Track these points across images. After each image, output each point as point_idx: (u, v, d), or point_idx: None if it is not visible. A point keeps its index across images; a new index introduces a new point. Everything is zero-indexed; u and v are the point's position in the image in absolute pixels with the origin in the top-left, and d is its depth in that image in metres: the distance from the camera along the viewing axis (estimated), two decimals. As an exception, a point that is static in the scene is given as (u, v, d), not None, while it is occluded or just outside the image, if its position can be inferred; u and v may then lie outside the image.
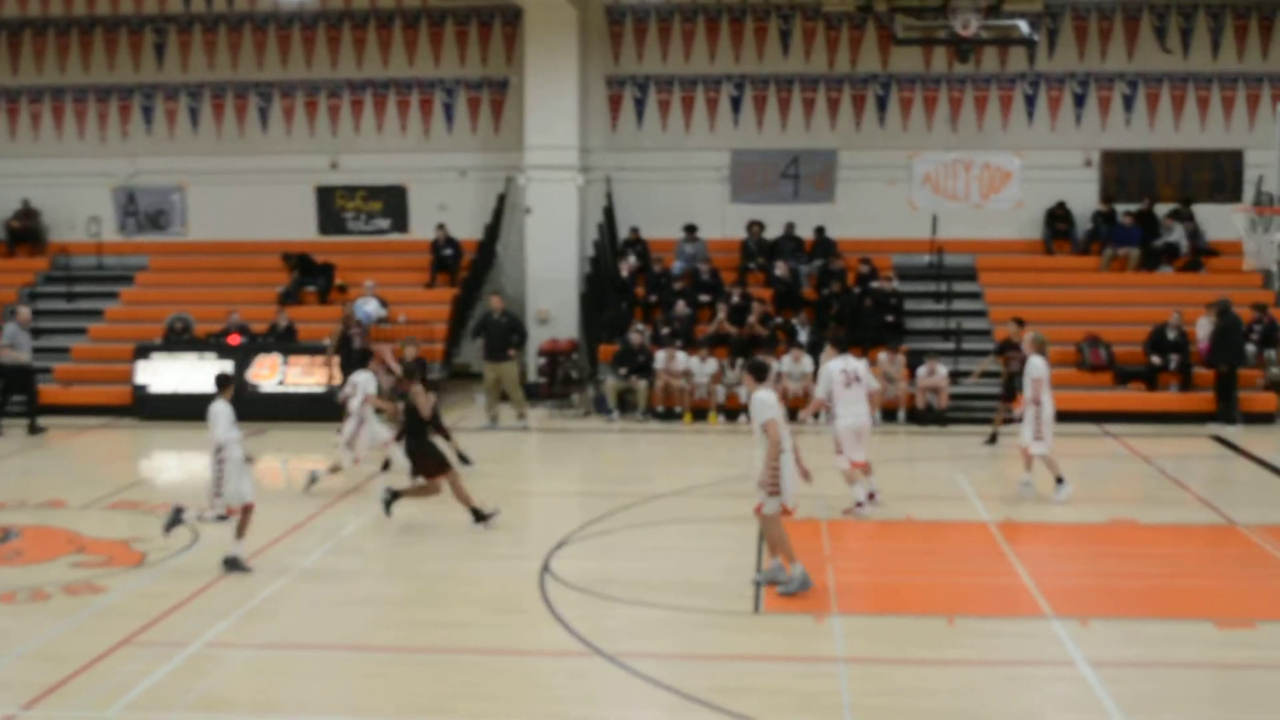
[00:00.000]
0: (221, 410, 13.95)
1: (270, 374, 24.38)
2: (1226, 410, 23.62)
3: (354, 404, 17.99)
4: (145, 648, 11.33)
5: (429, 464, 15.77)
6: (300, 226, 29.65)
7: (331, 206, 29.96)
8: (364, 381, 18.03)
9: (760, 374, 13.11)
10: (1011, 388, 21.17)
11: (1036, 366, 17.15)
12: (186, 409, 23.91)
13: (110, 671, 10.70)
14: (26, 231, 30.17)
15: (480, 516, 15.59)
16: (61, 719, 9.87)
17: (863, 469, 16.47)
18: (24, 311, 24.00)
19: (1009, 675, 10.88)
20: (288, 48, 29.84)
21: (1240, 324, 24.25)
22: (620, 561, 14.35)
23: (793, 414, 23.59)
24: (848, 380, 16.25)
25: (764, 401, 12.76)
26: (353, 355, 22.66)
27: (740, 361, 16.95)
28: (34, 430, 23.04)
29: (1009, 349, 21.38)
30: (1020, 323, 21.85)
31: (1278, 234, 20.04)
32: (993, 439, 21.54)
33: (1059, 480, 17.05)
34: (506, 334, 24.01)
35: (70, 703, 10.09)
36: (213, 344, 25.09)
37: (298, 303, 27.43)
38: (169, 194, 30.31)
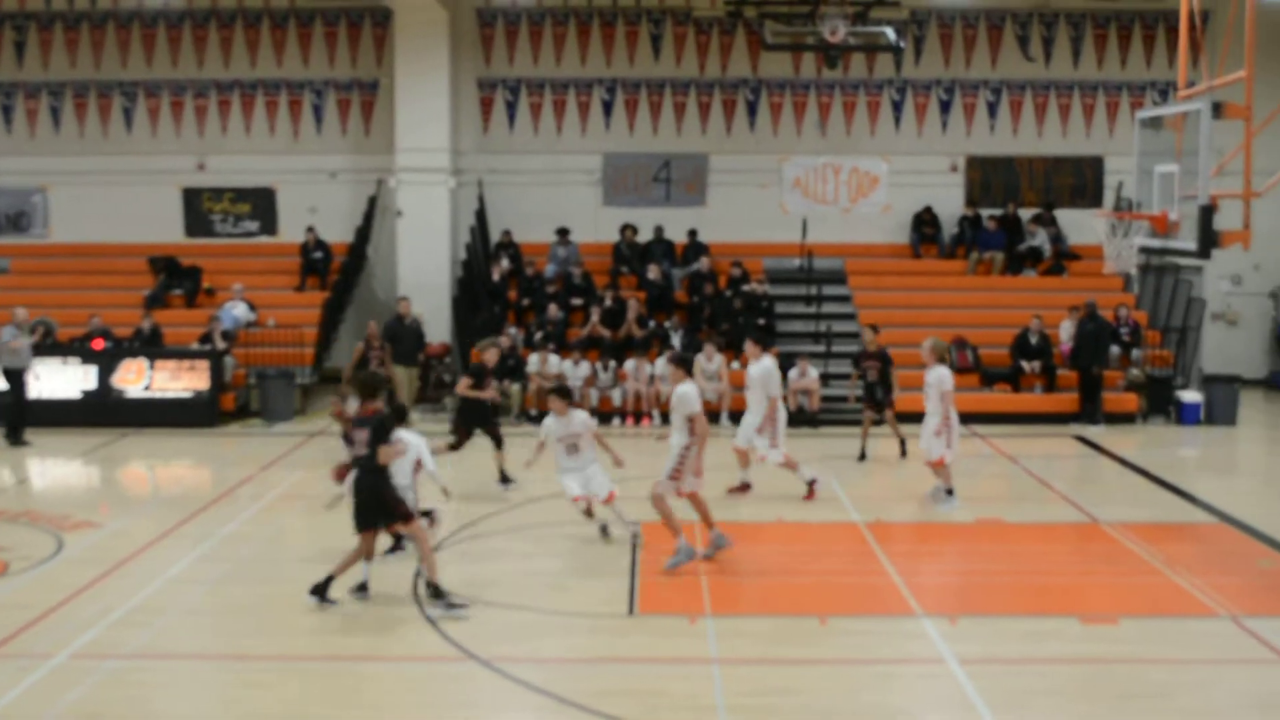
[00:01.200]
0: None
1: (136, 379, 23.93)
2: (1090, 411, 24.13)
3: (404, 466, 13.91)
4: (9, 660, 11.09)
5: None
6: (166, 229, 29.14)
7: (198, 208, 29.50)
8: (418, 445, 14.34)
9: (686, 367, 14.40)
10: (873, 395, 21.25)
11: (944, 378, 17.00)
12: (49, 415, 23.54)
13: (-27, 684, 10.47)
14: (-120, 234, 29.36)
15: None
16: (-78, 734, 9.66)
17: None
18: (20, 312, 23.15)
19: (880, 673, 11.03)
20: (153, 46, 29.32)
21: (1108, 326, 24.79)
22: (494, 566, 14.32)
23: (667, 418, 23.81)
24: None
25: (687, 395, 13.82)
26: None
27: (667, 354, 17.37)
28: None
29: (867, 357, 21.50)
30: (875, 329, 21.85)
31: (1137, 238, 20.51)
32: (863, 456, 20.78)
33: (949, 491, 17.20)
34: (418, 338, 23.96)
35: (-69, 717, 9.86)
36: (76, 348, 24.57)
37: (164, 306, 26.97)
38: (30, 195, 29.63)
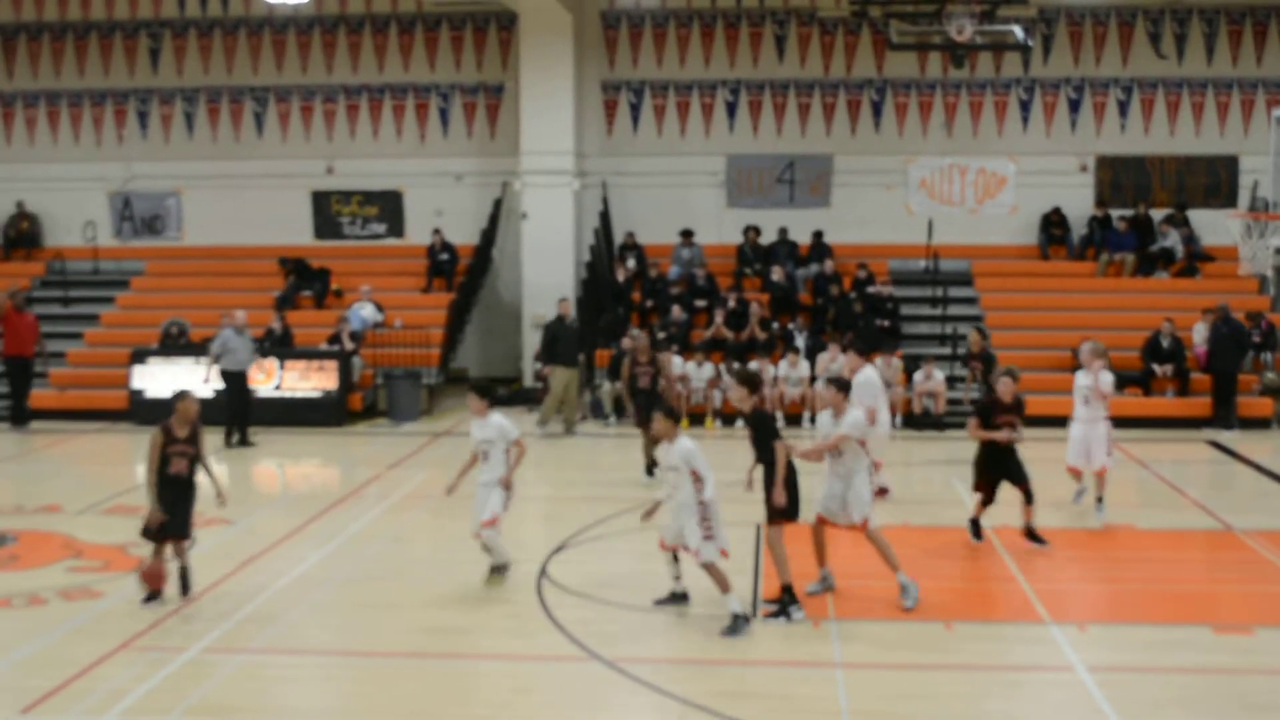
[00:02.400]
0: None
1: (267, 379, 24.33)
2: (1224, 415, 23.63)
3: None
4: (142, 653, 11.31)
5: None
6: (296, 231, 29.63)
7: (327, 211, 29.95)
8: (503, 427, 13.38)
9: (846, 391, 13.41)
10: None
11: (1107, 381, 16.55)
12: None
13: (107, 677, 10.69)
14: (23, 236, 30.15)
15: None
16: (59, 724, 9.88)
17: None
18: (239, 314, 23.19)
19: (1007, 680, 10.88)
20: (283, 52, 29.83)
21: (1242, 329, 24.26)
22: (618, 566, 14.33)
23: (791, 418, 23.77)
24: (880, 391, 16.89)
25: (861, 421, 12.99)
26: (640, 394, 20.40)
27: (826, 376, 15.79)
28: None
29: (973, 358, 21.20)
30: (983, 331, 21.45)
31: (1273, 239, 20.11)
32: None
33: (1099, 499, 16.61)
34: (579, 340, 24.04)
35: (67, 708, 10.08)
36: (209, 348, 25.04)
37: (294, 308, 27.39)
38: (165, 199, 30.29)
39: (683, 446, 12.07)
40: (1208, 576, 14.27)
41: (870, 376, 16.78)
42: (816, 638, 11.80)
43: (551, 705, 10.33)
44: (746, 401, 12.60)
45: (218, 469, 12.91)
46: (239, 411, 22.44)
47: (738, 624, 11.85)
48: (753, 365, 22.99)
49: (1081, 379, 16.72)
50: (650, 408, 14.79)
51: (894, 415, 23.70)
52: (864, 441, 13.03)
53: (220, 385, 22.54)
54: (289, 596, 13.09)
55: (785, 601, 12.29)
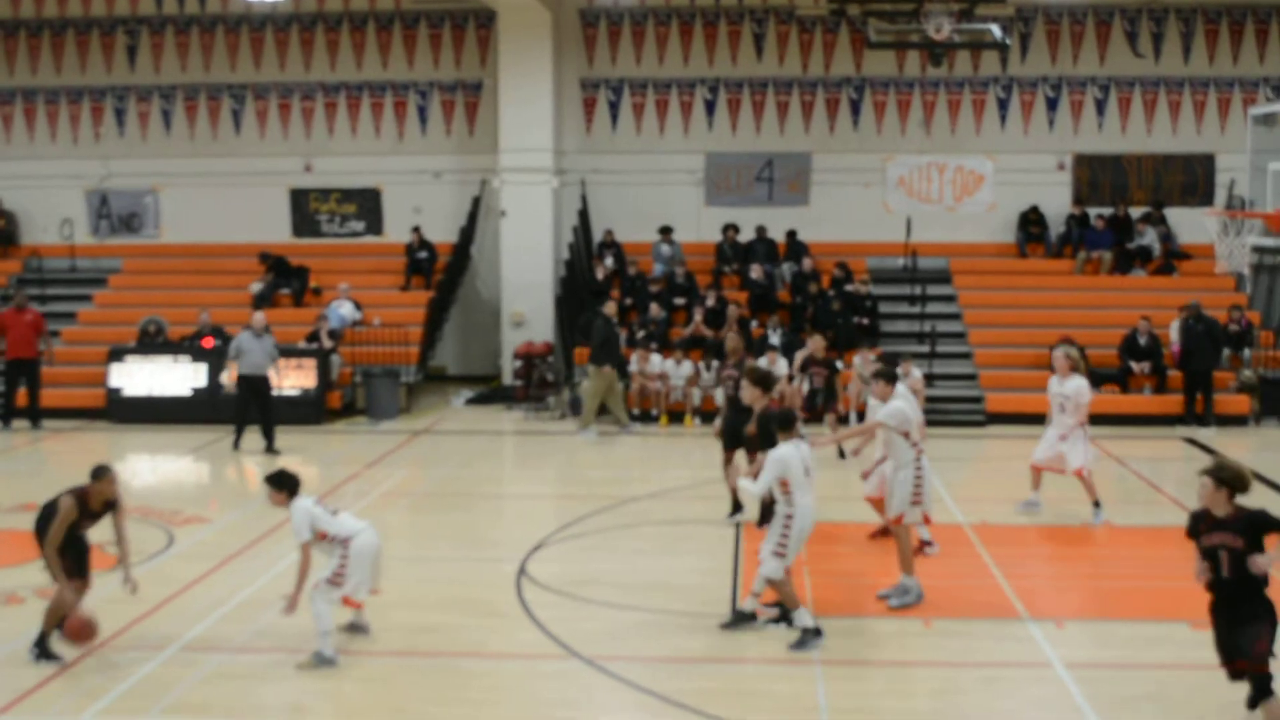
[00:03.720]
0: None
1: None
2: (1200, 413, 23.73)
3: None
4: (120, 652, 11.30)
5: None
6: (274, 229, 29.54)
7: (305, 209, 29.88)
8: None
9: (893, 381, 13.32)
10: (813, 401, 21.37)
11: (1084, 390, 16.33)
12: (160, 412, 24.03)
13: (85, 676, 10.67)
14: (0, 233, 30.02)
15: None
16: (37, 724, 9.86)
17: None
18: (258, 317, 22.64)
19: (986, 677, 10.93)
20: (261, 49, 29.74)
21: (1216, 326, 24.35)
22: (597, 564, 14.36)
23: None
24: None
25: (903, 411, 12.86)
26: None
27: (875, 369, 14.32)
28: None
29: (813, 364, 21.58)
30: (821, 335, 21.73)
31: (1249, 237, 20.18)
32: (842, 454, 20.14)
33: (1097, 504, 16.45)
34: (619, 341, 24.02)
35: (44, 707, 10.07)
36: (186, 347, 25.00)
37: (272, 305, 27.28)
38: (142, 196, 30.18)
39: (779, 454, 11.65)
40: (1185, 573, 14.29)
41: (901, 409, 13.68)
42: (794, 636, 11.81)
43: (532, 703, 10.34)
44: (760, 401, 12.58)
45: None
46: (262, 416, 21.84)
47: (806, 638, 11.53)
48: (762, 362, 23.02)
49: (1055, 386, 16.63)
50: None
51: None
52: (907, 434, 12.78)
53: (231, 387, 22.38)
54: (268, 594, 13.05)
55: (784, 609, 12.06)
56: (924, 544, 14.68)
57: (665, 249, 27.96)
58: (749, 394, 12.76)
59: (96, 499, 11.44)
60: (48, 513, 11.35)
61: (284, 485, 11.67)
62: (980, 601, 13.04)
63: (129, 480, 20.16)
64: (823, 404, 21.35)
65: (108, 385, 24.67)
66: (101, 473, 11.43)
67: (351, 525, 11.62)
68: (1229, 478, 9.76)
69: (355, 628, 11.85)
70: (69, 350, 26.66)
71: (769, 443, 12.10)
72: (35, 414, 23.85)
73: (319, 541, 11.46)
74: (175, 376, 24.45)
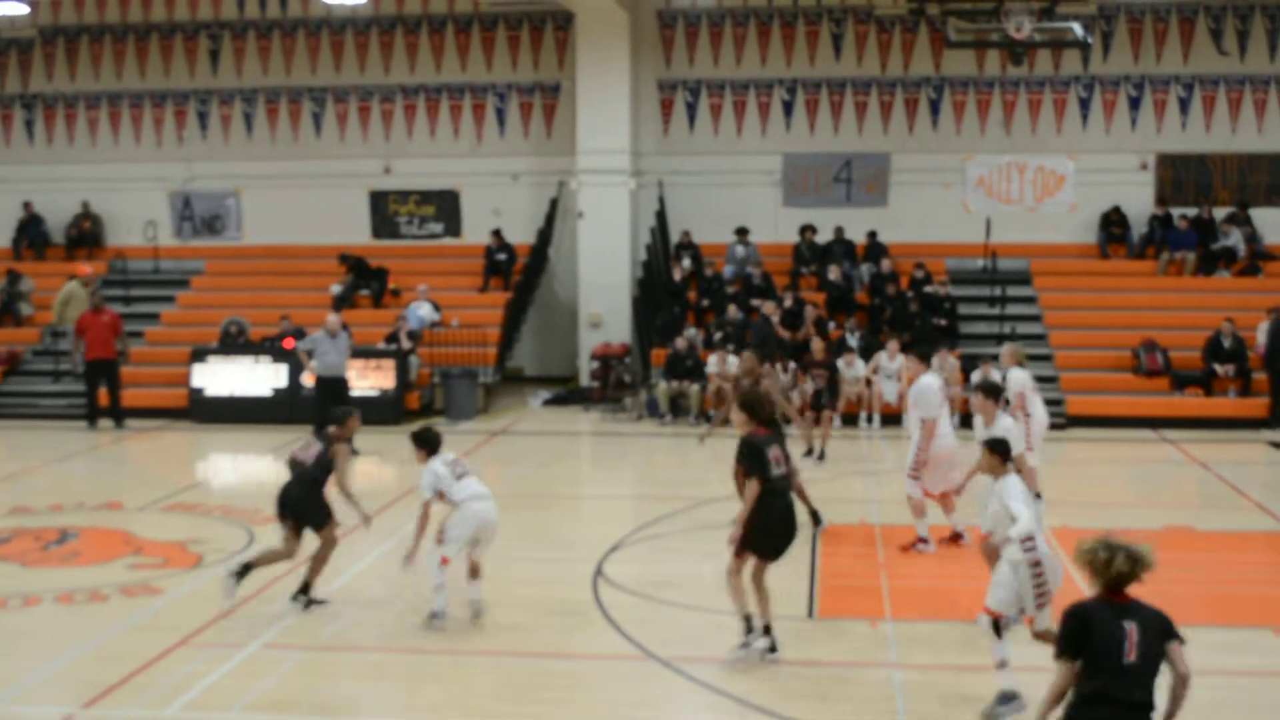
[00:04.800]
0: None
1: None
2: (1285, 415, 23.43)
3: None
4: (202, 649, 11.42)
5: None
6: (353, 231, 29.78)
7: (385, 211, 30.10)
8: None
9: (997, 396, 13.26)
10: (819, 400, 21.60)
11: (1018, 379, 15.58)
12: (241, 412, 24.29)
13: (168, 672, 10.79)
14: (84, 235, 30.46)
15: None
16: (119, 718, 9.96)
17: (942, 502, 15.00)
18: (332, 319, 22.56)
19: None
20: (341, 52, 30.01)
21: (1299, 327, 24.00)
22: (673, 566, 14.34)
23: (849, 418, 23.70)
24: (942, 399, 14.93)
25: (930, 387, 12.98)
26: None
27: (978, 384, 14.52)
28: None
29: (813, 365, 21.63)
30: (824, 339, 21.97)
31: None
32: (809, 452, 20.11)
33: (1037, 495, 16.33)
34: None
35: (129, 702, 10.18)
36: (267, 347, 25.26)
37: (351, 306, 27.50)
38: (224, 198, 30.54)
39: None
40: (1269, 579, 14.11)
41: (930, 383, 14.86)
42: (874, 639, 11.76)
43: (610, 704, 10.34)
44: (745, 427, 11.45)
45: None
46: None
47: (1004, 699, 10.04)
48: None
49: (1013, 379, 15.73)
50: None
51: (952, 414, 23.62)
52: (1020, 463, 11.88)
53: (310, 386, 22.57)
54: (346, 593, 13.17)
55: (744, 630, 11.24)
56: (919, 540, 14.63)
57: (740, 250, 27.91)
58: (736, 417, 11.99)
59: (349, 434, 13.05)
60: (320, 468, 12.93)
61: (424, 444, 12.64)
62: (1058, 606, 12.86)
63: (210, 480, 20.45)
64: (826, 403, 21.51)
65: (190, 385, 24.98)
66: (347, 414, 13.15)
67: (469, 490, 12.15)
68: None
69: (472, 605, 12.18)
70: (152, 351, 27.04)
71: (747, 471, 11.21)
72: (118, 414, 24.16)
73: (439, 501, 12.17)
74: (256, 377, 24.72)
